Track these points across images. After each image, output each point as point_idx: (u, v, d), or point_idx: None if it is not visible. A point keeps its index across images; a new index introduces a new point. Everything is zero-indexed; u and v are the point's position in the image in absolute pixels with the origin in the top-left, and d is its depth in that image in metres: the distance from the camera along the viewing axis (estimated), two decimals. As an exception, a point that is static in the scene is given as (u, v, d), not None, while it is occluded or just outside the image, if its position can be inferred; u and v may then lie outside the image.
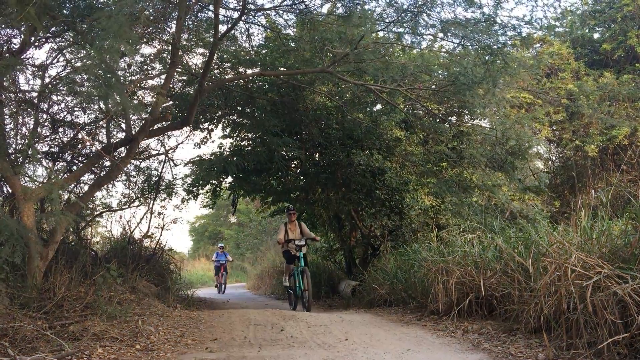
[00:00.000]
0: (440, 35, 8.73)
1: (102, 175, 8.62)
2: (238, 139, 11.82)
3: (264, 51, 10.15)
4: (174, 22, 7.77)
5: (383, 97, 9.58)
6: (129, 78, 8.86)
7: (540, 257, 4.99)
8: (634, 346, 3.72)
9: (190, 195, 11.37)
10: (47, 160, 8.44)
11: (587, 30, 16.32)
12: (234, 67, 10.19)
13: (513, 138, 10.34)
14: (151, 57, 9.41)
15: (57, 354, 4.28)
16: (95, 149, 8.22)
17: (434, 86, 9.65)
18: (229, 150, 11.54)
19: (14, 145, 7.12)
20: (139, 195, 10.72)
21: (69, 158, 8.80)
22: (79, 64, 6.97)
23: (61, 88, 7.46)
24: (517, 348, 4.42)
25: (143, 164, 10.76)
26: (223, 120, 11.36)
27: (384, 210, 10.24)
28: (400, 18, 8.37)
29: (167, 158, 10.96)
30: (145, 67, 9.50)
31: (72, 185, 8.55)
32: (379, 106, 11.21)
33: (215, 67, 9.92)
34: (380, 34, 9.15)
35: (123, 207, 10.57)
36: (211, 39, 8.18)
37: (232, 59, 9.99)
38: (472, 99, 8.87)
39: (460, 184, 10.78)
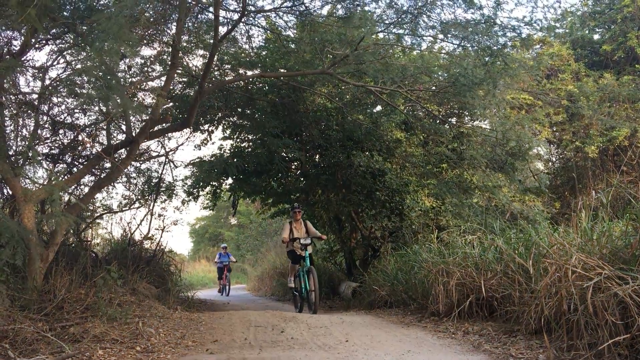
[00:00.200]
0: (440, 36, 8.75)
1: (102, 177, 8.62)
2: (238, 140, 11.83)
3: (264, 53, 10.16)
4: (174, 23, 7.77)
5: (383, 98, 9.59)
6: (129, 80, 8.87)
7: (540, 258, 4.99)
8: (635, 347, 3.71)
9: (190, 197, 11.37)
10: (48, 162, 8.44)
11: (587, 32, 16.34)
12: (234, 69, 10.20)
13: (513, 139, 10.34)
14: (151, 59, 9.43)
15: (57, 356, 4.28)
16: (96, 151, 8.22)
17: (434, 87, 9.65)
18: (229, 151, 11.54)
19: (14, 147, 7.12)
20: (139, 197, 10.72)
21: (69, 160, 8.80)
22: (79, 65, 6.98)
23: (61, 90, 7.47)
24: (518, 349, 4.42)
25: (143, 166, 10.78)
26: (223, 122, 11.37)
27: (384, 212, 10.23)
28: (400, 19, 8.38)
29: (167, 160, 10.97)
30: (146, 68, 9.51)
31: (73, 187, 8.55)
32: (379, 107, 11.22)
33: (215, 68, 9.93)
34: (380, 35, 9.16)
35: (123, 209, 10.57)
36: (211, 41, 8.19)
37: (232, 61, 10.00)
38: (472, 100, 8.88)
39: (461, 185, 10.78)
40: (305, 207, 12.39)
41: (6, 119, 6.88)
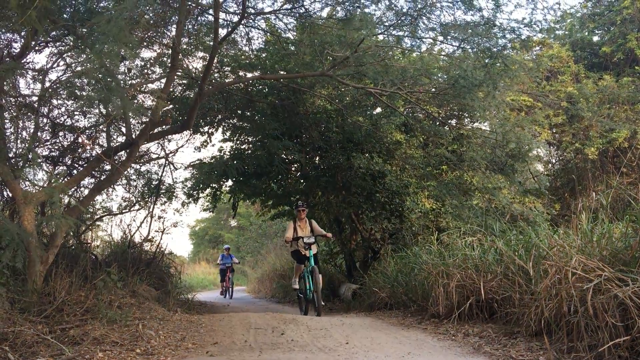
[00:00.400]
0: (440, 38, 8.76)
1: (102, 179, 8.62)
2: (238, 142, 11.84)
3: (264, 55, 10.17)
4: (174, 26, 7.78)
5: (383, 100, 9.59)
6: (129, 82, 8.88)
7: (540, 260, 4.99)
8: (635, 349, 3.71)
9: (190, 199, 11.38)
10: (48, 164, 8.45)
11: (586, 33, 16.36)
12: (234, 71, 10.21)
13: (513, 141, 10.35)
14: (151, 61, 9.44)
15: (57, 359, 4.28)
16: (96, 153, 8.22)
17: (433, 89, 9.66)
18: (229, 153, 11.55)
19: (14, 150, 7.13)
20: (139, 199, 10.73)
21: (69, 162, 8.80)
22: (79, 68, 6.98)
23: (61, 92, 7.48)
24: (518, 351, 4.41)
25: (143, 168, 10.79)
26: (223, 124, 11.38)
27: (384, 214, 10.23)
28: (400, 21, 8.39)
29: (167, 162, 10.98)
30: (146, 71, 9.52)
31: (73, 189, 8.56)
32: (378, 109, 11.22)
33: (215, 70, 9.94)
34: (380, 37, 9.17)
35: (123, 211, 10.58)
36: (211, 43, 8.20)
37: (232, 63, 10.01)
38: (472, 102, 8.88)
39: (461, 186, 10.78)
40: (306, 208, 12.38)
41: (6, 121, 6.88)
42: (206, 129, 11.24)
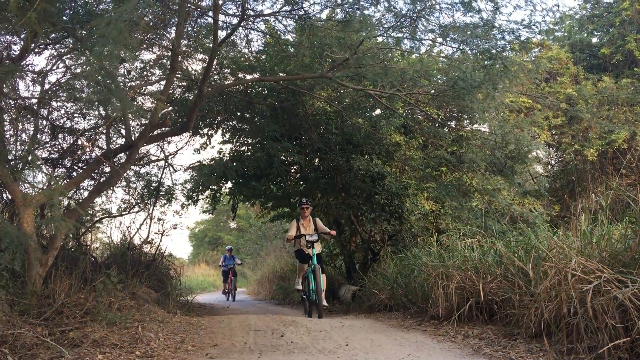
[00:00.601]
0: (439, 40, 8.76)
1: (101, 181, 8.63)
2: (238, 144, 11.84)
3: (263, 57, 10.17)
4: (174, 28, 7.79)
5: (382, 102, 9.60)
6: (129, 84, 8.88)
7: (540, 261, 4.99)
8: (635, 350, 3.71)
9: (190, 201, 11.36)
10: (47, 167, 8.45)
11: (585, 35, 16.39)
12: (233, 73, 10.21)
13: (512, 142, 10.36)
14: (151, 63, 9.44)
15: (56, 361, 4.28)
16: (95, 155, 8.22)
17: (433, 91, 9.66)
18: (228, 155, 11.54)
19: (14, 152, 7.13)
20: (138, 201, 10.72)
21: (68, 164, 8.81)
22: (78, 70, 6.99)
23: (61, 94, 7.48)
24: (518, 353, 4.41)
25: (143, 170, 10.78)
26: (223, 126, 11.38)
27: (383, 215, 10.23)
28: (399, 23, 8.40)
29: (166, 164, 10.97)
30: (145, 73, 9.53)
31: (72, 191, 8.55)
32: (378, 111, 11.23)
33: (214, 72, 9.94)
34: (380, 39, 9.18)
35: (123, 213, 10.57)
36: (211, 45, 8.21)
37: (231, 65, 10.01)
38: (471, 103, 8.89)
39: (460, 188, 10.79)
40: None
41: (6, 123, 6.88)
42: (206, 130, 11.23)
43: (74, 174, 8.59)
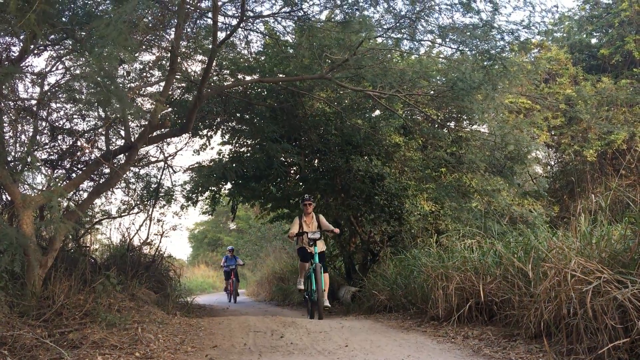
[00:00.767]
0: (439, 40, 8.77)
1: (101, 182, 8.62)
2: (237, 145, 11.84)
3: (262, 58, 10.18)
4: (173, 29, 7.79)
5: (382, 103, 9.60)
6: (128, 85, 8.88)
7: (540, 262, 4.99)
8: (635, 351, 3.71)
9: (189, 202, 11.36)
10: (46, 168, 8.44)
11: (584, 36, 16.40)
12: (233, 74, 10.22)
13: (512, 143, 10.36)
14: (150, 64, 9.44)
15: (56, 362, 4.27)
16: (95, 157, 8.22)
17: (432, 92, 9.67)
18: (228, 156, 11.55)
19: (13, 153, 7.12)
20: (138, 203, 10.71)
21: (68, 165, 8.80)
22: (78, 71, 6.99)
23: (60, 95, 7.48)
24: (518, 354, 4.41)
25: (142, 171, 10.78)
26: (222, 127, 11.38)
27: (383, 216, 10.23)
28: (398, 24, 8.40)
29: (166, 165, 10.97)
30: (144, 74, 9.52)
31: (72, 192, 8.55)
32: (377, 112, 11.24)
33: (214, 73, 9.94)
34: (379, 40, 9.19)
35: (122, 214, 10.56)
36: (210, 46, 8.21)
37: (231, 66, 10.02)
38: (470, 104, 8.89)
39: (460, 189, 10.79)
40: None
41: (5, 125, 6.88)
42: (205, 132, 11.24)
43: (74, 175, 8.59)
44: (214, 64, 8.95)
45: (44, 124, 7.97)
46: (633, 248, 4.15)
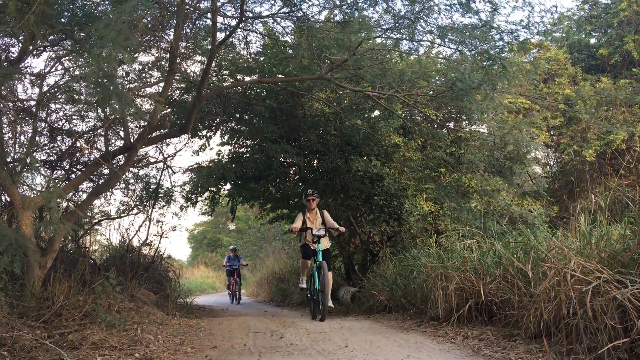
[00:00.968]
0: (438, 41, 8.77)
1: (100, 183, 8.62)
2: (236, 145, 11.83)
3: (262, 58, 10.18)
4: (172, 30, 7.79)
5: (381, 103, 9.60)
6: (127, 86, 8.87)
7: (539, 262, 4.99)
8: (634, 351, 3.71)
9: (188, 203, 11.35)
10: (46, 169, 8.43)
11: (583, 36, 16.41)
12: (232, 75, 10.21)
13: (511, 143, 10.37)
14: (149, 65, 9.44)
15: (56, 363, 4.27)
16: (94, 157, 8.22)
17: (431, 92, 9.68)
18: (227, 157, 11.54)
19: (12, 154, 7.12)
20: (137, 203, 10.70)
21: (67, 166, 8.79)
22: (77, 72, 6.98)
23: (59, 96, 7.48)
24: (518, 354, 4.41)
25: (141, 172, 10.76)
26: (221, 128, 11.37)
27: (382, 216, 10.23)
28: (397, 24, 8.41)
29: (165, 165, 10.96)
30: (144, 75, 9.52)
31: (71, 193, 8.54)
32: (376, 112, 11.24)
33: (213, 74, 9.94)
34: (378, 40, 9.19)
35: (122, 215, 10.54)
36: (209, 47, 8.21)
37: (230, 66, 10.01)
38: (469, 104, 8.90)
39: (459, 189, 10.79)
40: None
41: (4, 126, 6.88)
42: (204, 132, 11.23)
43: (73, 176, 8.58)
44: (213, 64, 8.94)
45: (43, 124, 7.97)
46: (632, 248, 4.15)
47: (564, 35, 16.89)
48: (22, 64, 7.05)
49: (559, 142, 14.00)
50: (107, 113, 7.08)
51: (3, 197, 7.42)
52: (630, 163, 13.25)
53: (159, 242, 10.81)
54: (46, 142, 8.34)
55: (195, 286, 23.20)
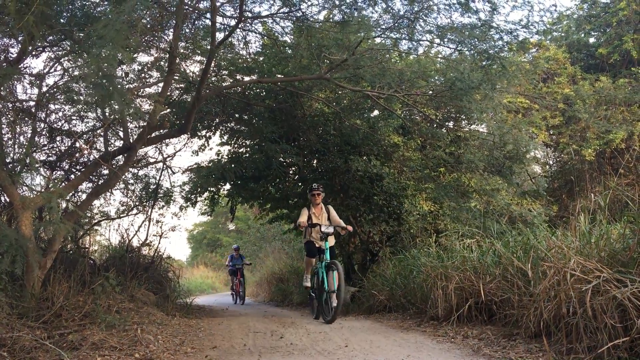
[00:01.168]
0: (437, 40, 8.77)
1: (100, 183, 8.62)
2: (236, 146, 11.82)
3: (261, 58, 10.17)
4: (171, 30, 7.79)
5: (380, 103, 9.60)
6: (127, 86, 8.87)
7: (539, 261, 4.99)
8: (634, 350, 3.71)
9: (188, 203, 11.34)
10: (45, 169, 8.44)
11: (582, 35, 16.41)
12: (231, 75, 10.21)
13: (510, 143, 10.37)
14: (148, 65, 9.43)
15: (56, 364, 4.27)
16: (93, 158, 8.22)
17: (431, 92, 9.68)
18: (226, 157, 11.53)
19: (12, 155, 7.12)
20: (137, 204, 10.70)
21: (66, 167, 8.79)
22: (76, 72, 6.98)
23: (59, 97, 7.48)
24: (518, 353, 4.42)
25: (141, 172, 10.76)
26: (221, 128, 11.37)
27: (382, 216, 10.23)
28: (397, 24, 8.41)
29: (165, 166, 10.96)
30: (143, 75, 9.51)
31: (70, 193, 8.54)
32: (376, 112, 11.23)
33: (212, 74, 9.93)
34: (377, 40, 9.19)
35: (121, 216, 10.54)
36: (208, 47, 8.21)
37: (229, 66, 10.01)
38: (469, 104, 8.90)
39: (459, 188, 10.79)
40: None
41: (4, 126, 6.88)
42: (204, 132, 11.23)
43: (72, 176, 8.58)
44: (213, 64, 8.94)
45: (42, 125, 7.97)
46: (632, 247, 4.16)
47: (563, 34, 16.89)
48: (22, 65, 7.04)
49: (559, 142, 14.00)
50: (107, 113, 7.08)
51: (3, 198, 7.42)
52: (629, 162, 13.25)
53: (159, 243, 10.82)
54: (46, 142, 8.34)
55: (195, 286, 23.19)
